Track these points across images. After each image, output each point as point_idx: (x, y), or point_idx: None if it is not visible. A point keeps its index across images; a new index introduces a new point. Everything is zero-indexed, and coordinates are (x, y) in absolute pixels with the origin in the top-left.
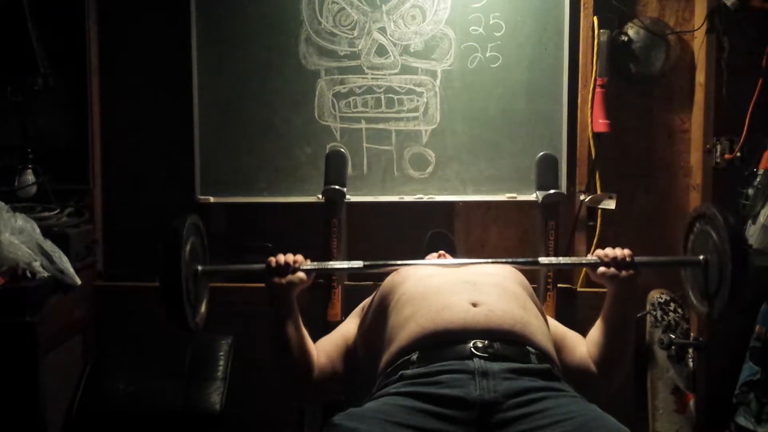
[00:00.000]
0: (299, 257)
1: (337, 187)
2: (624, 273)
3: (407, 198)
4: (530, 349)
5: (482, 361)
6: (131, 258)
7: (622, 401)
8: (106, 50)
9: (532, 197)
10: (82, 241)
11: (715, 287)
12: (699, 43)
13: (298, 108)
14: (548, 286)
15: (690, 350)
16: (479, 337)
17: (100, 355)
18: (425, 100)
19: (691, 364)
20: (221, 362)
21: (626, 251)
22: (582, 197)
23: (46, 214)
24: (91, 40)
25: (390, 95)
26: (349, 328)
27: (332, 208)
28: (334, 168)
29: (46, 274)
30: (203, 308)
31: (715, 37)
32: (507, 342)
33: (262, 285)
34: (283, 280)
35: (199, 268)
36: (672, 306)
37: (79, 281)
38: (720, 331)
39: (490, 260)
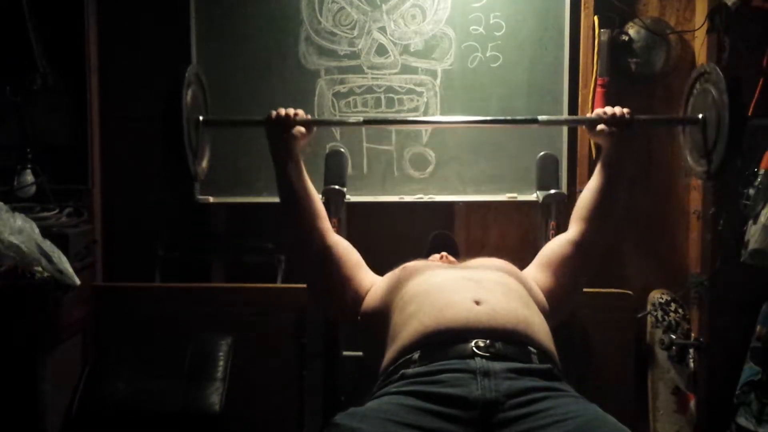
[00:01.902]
0: (300, 111)
1: (337, 187)
2: (622, 130)
3: (407, 198)
4: (531, 349)
5: (484, 360)
6: (130, 258)
7: (623, 402)
8: (105, 50)
9: (532, 197)
10: (81, 242)
11: (712, 143)
12: (700, 43)
13: (298, 107)
14: None
15: (691, 351)
16: (481, 336)
17: (99, 356)
18: (425, 99)
19: (691, 364)
20: (221, 362)
21: (625, 109)
22: None
23: (46, 214)
24: (90, 40)
25: (390, 95)
26: (361, 264)
27: (332, 208)
28: (334, 168)
29: (45, 275)
30: (204, 162)
31: (716, 37)
32: (509, 341)
33: (262, 285)
34: (284, 133)
35: (200, 117)
36: (673, 306)
37: (78, 281)
38: (721, 331)
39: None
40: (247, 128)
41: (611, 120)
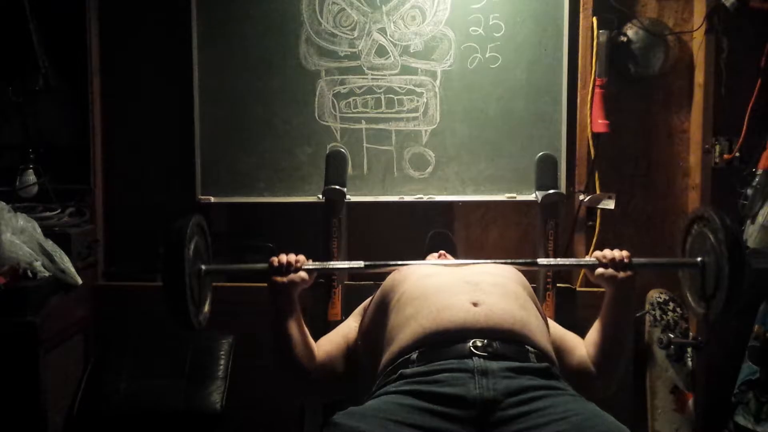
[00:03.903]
0: (301, 257)
1: (337, 187)
2: (622, 274)
3: (407, 198)
4: (529, 348)
5: (481, 359)
6: (132, 258)
7: (621, 400)
8: (107, 50)
9: (531, 197)
10: (83, 241)
11: (712, 290)
12: (698, 44)
13: (299, 108)
14: (547, 286)
15: (689, 349)
16: (479, 336)
17: (100, 355)
18: (425, 100)
19: (690, 363)
20: (222, 362)
21: (624, 252)
22: (581, 197)
23: (48, 213)
24: (92, 40)
25: (390, 95)
26: (350, 327)
27: (332, 208)
28: (335, 168)
29: (47, 274)
30: (206, 307)
31: (714, 38)
32: (506, 341)
33: (263, 284)
34: (285, 280)
35: (203, 267)
36: (671, 305)
37: (80, 281)
38: (719, 330)
39: (489, 261)
40: (248, 129)
41: (610, 264)
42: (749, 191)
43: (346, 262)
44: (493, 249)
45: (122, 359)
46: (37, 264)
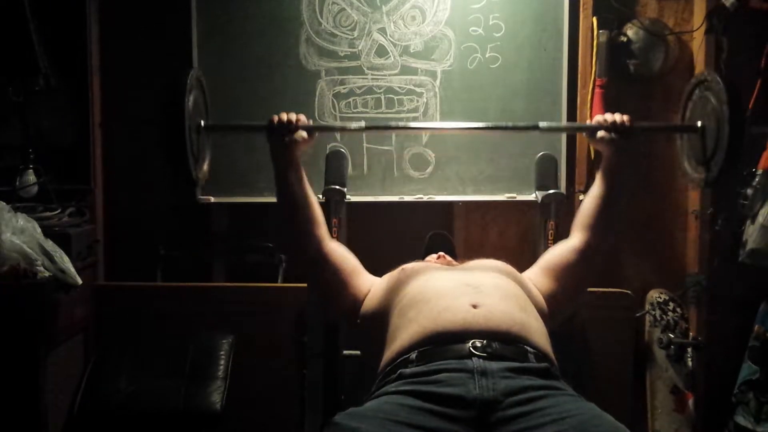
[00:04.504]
0: (301, 116)
1: (337, 187)
2: (623, 137)
3: (407, 198)
4: (529, 348)
5: (481, 360)
6: (132, 258)
7: (621, 400)
8: (107, 50)
9: (531, 197)
10: (83, 241)
11: (711, 152)
12: (698, 44)
13: (299, 108)
14: None
15: (689, 349)
16: (478, 337)
17: (100, 355)
18: (425, 100)
19: (690, 363)
20: (222, 362)
21: (625, 116)
22: (581, 197)
23: (48, 214)
24: (92, 41)
25: (390, 95)
26: (363, 273)
27: (333, 207)
28: (335, 168)
29: (47, 274)
30: (205, 166)
31: (714, 38)
32: (506, 342)
33: (263, 284)
34: (285, 139)
35: (202, 122)
36: (671, 306)
37: (80, 281)
38: (719, 330)
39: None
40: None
41: (611, 127)
42: (749, 191)
43: (346, 123)
44: (493, 249)
45: (122, 359)
46: (38, 264)
